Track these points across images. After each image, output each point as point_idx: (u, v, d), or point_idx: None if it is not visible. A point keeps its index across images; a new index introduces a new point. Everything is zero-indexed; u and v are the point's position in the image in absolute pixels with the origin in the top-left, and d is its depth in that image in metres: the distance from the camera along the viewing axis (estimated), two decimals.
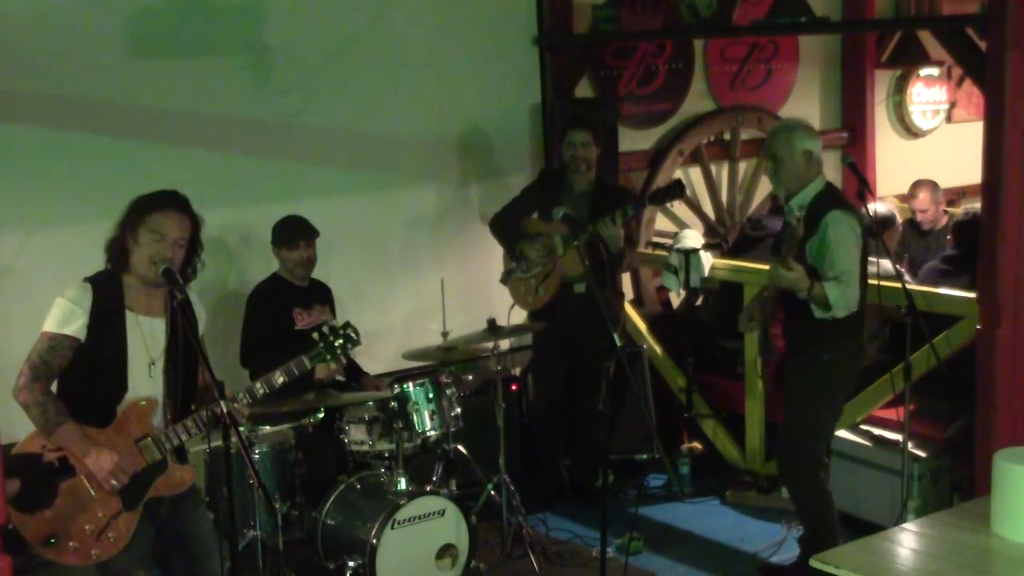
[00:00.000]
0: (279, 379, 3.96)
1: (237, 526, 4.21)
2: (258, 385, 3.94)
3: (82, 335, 3.74)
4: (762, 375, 5.23)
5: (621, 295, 6.41)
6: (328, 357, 4.02)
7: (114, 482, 3.71)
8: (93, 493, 3.73)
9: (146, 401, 3.81)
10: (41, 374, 3.72)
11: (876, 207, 6.32)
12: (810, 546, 4.95)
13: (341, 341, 4.02)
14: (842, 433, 5.72)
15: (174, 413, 3.88)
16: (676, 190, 5.72)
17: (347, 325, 4.07)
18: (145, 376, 3.82)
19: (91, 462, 3.70)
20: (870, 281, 4.85)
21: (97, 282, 3.82)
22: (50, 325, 3.76)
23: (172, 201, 3.84)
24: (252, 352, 5.34)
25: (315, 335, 4.00)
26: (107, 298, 3.78)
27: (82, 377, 3.77)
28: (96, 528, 3.73)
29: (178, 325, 3.83)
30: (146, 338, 3.82)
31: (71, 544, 3.71)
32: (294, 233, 5.44)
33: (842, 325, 4.77)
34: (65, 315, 3.75)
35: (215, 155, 5.79)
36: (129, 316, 3.81)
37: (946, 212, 7.33)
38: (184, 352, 3.86)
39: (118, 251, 3.82)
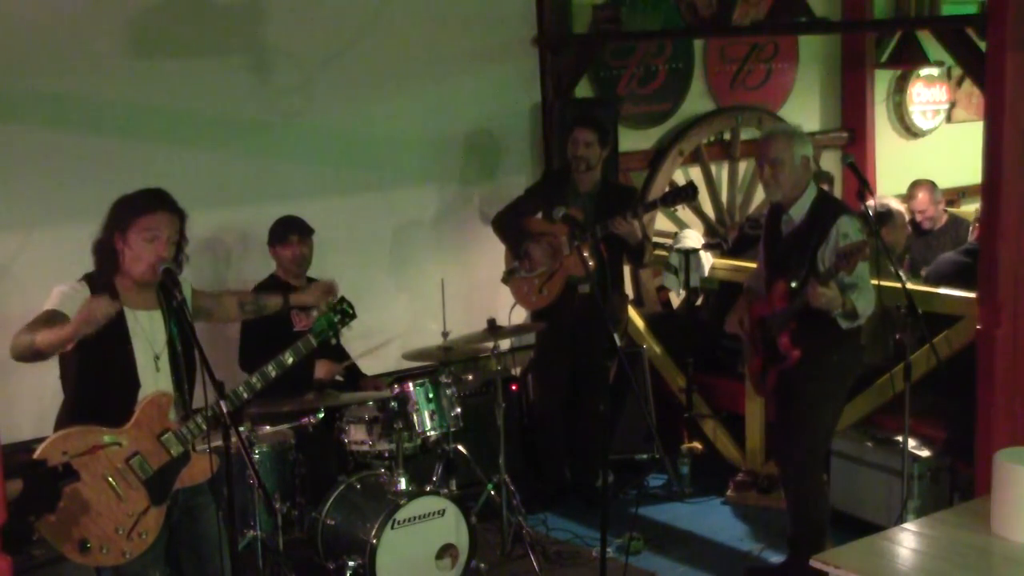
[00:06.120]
0: (289, 359, 4.05)
1: (237, 526, 4.21)
2: (270, 367, 4.01)
3: None
4: (755, 382, 5.24)
5: (625, 297, 6.41)
6: (330, 332, 4.22)
7: (100, 313, 3.56)
8: (120, 493, 3.75)
9: (163, 396, 3.82)
10: (33, 323, 3.66)
11: (881, 202, 6.32)
12: (800, 546, 4.97)
13: (339, 316, 4.23)
14: (842, 433, 5.72)
15: (184, 404, 3.90)
16: (689, 192, 5.71)
17: (342, 300, 4.26)
18: (152, 370, 3.84)
19: (86, 314, 3.56)
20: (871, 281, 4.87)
21: (92, 281, 3.82)
22: (51, 304, 3.75)
23: (159, 201, 3.85)
24: (251, 354, 5.34)
25: (314, 312, 4.20)
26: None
27: (94, 382, 3.77)
28: (126, 528, 3.75)
29: (178, 321, 3.85)
30: (147, 333, 3.84)
31: (102, 547, 3.73)
32: (287, 229, 5.46)
33: (847, 328, 4.79)
34: (64, 301, 3.75)
35: (215, 155, 5.78)
36: (128, 313, 3.82)
37: (946, 211, 7.33)
38: (185, 346, 3.88)
39: (108, 253, 3.83)
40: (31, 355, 3.65)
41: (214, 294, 4.35)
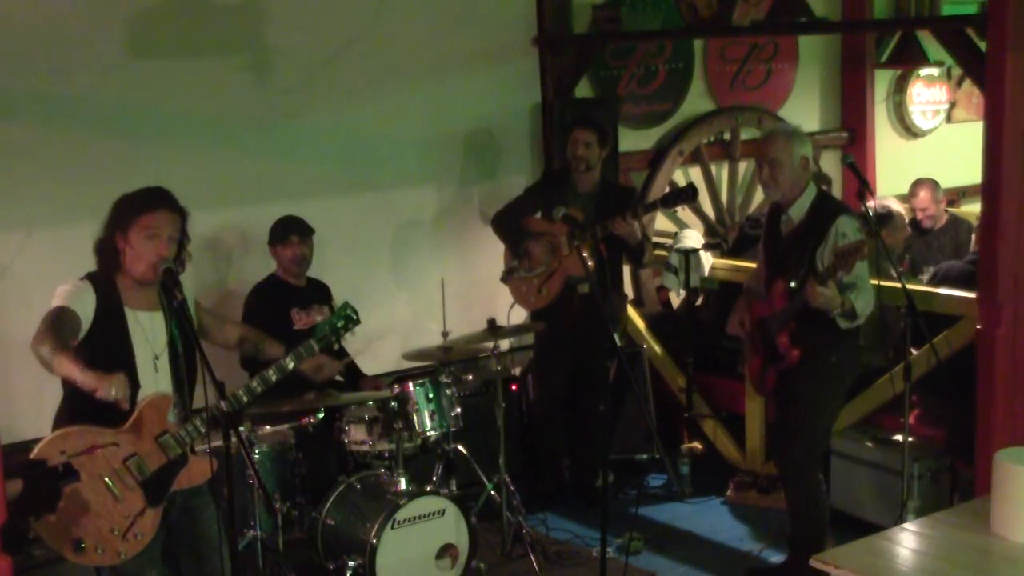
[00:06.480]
0: (290, 364, 4.05)
1: (237, 526, 4.22)
2: (271, 371, 4.01)
3: (86, 325, 3.74)
4: (755, 382, 5.25)
5: (624, 296, 6.41)
6: (333, 338, 4.21)
7: (115, 392, 3.58)
8: (117, 494, 3.74)
9: (162, 397, 3.82)
10: (52, 324, 3.66)
11: (881, 203, 6.32)
12: (800, 546, 4.97)
13: (343, 322, 4.21)
14: (842, 433, 5.72)
15: (183, 406, 3.90)
16: (689, 194, 5.71)
17: (346, 305, 4.25)
18: (151, 371, 3.83)
19: (95, 384, 3.57)
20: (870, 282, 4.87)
21: (95, 280, 3.83)
22: (59, 300, 3.74)
23: (161, 200, 3.85)
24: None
25: (318, 317, 4.12)
26: (107, 297, 3.80)
27: None
28: (122, 528, 3.75)
29: (179, 322, 3.85)
30: (147, 333, 3.84)
31: (97, 547, 3.72)
32: (287, 229, 5.47)
33: (846, 328, 4.79)
34: (70, 297, 3.75)
35: (215, 155, 5.78)
36: (128, 313, 3.82)
37: (947, 211, 7.34)
38: (185, 347, 3.88)
39: (110, 252, 3.83)
40: (45, 368, 3.65)
41: (218, 316, 4.33)
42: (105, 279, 3.84)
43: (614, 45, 7.06)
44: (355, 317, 4.23)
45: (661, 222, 7.38)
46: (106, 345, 3.76)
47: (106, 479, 3.73)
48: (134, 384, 3.79)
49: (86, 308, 3.76)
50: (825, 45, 8.11)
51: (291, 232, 5.45)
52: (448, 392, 5.32)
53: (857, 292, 4.72)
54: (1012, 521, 3.50)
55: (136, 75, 5.53)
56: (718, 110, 7.61)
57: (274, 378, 4.01)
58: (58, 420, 3.86)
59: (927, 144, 8.60)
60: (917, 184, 7.30)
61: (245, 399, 3.94)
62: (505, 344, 6.23)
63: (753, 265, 5.59)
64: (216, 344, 4.21)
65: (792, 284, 4.77)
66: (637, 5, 7.05)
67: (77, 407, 3.79)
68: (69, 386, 3.81)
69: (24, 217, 5.30)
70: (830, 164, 7.99)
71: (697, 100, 7.54)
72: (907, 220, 6.74)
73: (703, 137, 7.49)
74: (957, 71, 8.31)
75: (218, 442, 3.71)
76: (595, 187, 6.00)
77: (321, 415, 5.17)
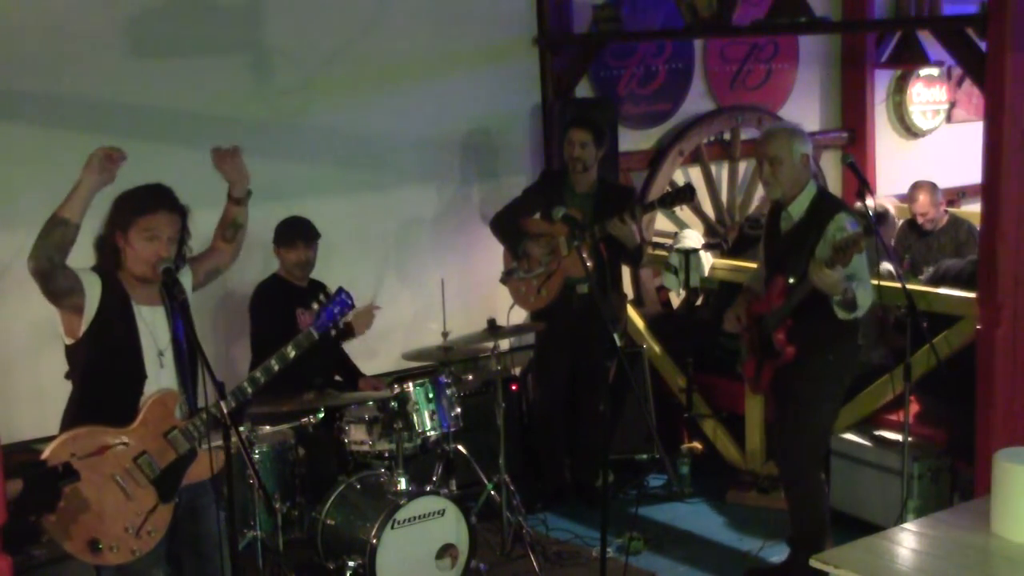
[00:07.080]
0: (291, 352, 4.07)
1: (237, 526, 4.22)
2: (273, 360, 4.02)
3: (90, 307, 3.75)
4: (751, 380, 5.25)
5: (624, 296, 6.41)
6: (330, 324, 4.25)
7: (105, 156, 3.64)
8: (129, 492, 3.75)
9: (169, 394, 3.83)
10: None
11: (878, 201, 6.35)
12: (800, 546, 4.97)
13: (339, 308, 4.27)
14: (842, 433, 5.73)
15: (188, 401, 3.91)
16: (687, 194, 5.71)
17: (340, 291, 4.29)
18: (156, 367, 3.84)
19: (88, 172, 3.63)
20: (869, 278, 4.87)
21: (100, 272, 3.84)
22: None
23: (161, 200, 3.85)
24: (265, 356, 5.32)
25: (314, 305, 4.23)
26: (112, 289, 3.81)
27: (101, 372, 3.78)
28: (135, 526, 3.76)
29: (181, 319, 3.86)
30: (150, 328, 3.85)
31: (113, 546, 3.73)
32: (294, 234, 5.46)
33: (845, 326, 4.79)
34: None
35: None
36: (134, 307, 3.83)
37: (947, 212, 7.34)
38: (188, 344, 3.89)
39: (110, 250, 3.84)
40: (57, 233, 3.65)
41: (206, 251, 4.22)
42: (109, 272, 3.85)
43: (614, 45, 7.06)
44: (350, 302, 4.27)
45: (661, 222, 7.38)
46: (114, 337, 3.77)
47: (117, 478, 3.74)
48: (142, 374, 3.81)
49: (92, 289, 3.76)
50: (825, 45, 8.12)
51: (297, 237, 5.45)
52: (448, 392, 5.33)
53: (857, 284, 4.71)
54: (1012, 521, 3.50)
55: (136, 75, 5.53)
56: (718, 110, 7.61)
57: (276, 367, 4.02)
58: (67, 413, 3.86)
59: (927, 144, 8.60)
60: (916, 188, 7.30)
61: (250, 390, 3.97)
62: (505, 344, 6.24)
63: (753, 265, 5.59)
64: (230, 265, 4.21)
65: (791, 280, 4.78)
66: (637, 5, 7.05)
67: (85, 406, 3.79)
68: (77, 378, 3.83)
69: (24, 217, 5.28)
70: (830, 164, 8.00)
71: (697, 100, 7.54)
72: (903, 220, 6.74)
73: (703, 137, 7.49)
74: (957, 71, 8.32)
75: (218, 442, 3.71)
76: (593, 187, 5.99)
77: (321, 415, 5.17)
